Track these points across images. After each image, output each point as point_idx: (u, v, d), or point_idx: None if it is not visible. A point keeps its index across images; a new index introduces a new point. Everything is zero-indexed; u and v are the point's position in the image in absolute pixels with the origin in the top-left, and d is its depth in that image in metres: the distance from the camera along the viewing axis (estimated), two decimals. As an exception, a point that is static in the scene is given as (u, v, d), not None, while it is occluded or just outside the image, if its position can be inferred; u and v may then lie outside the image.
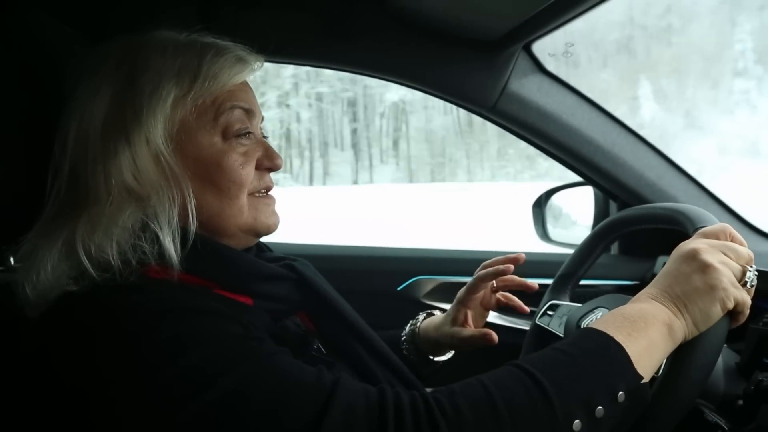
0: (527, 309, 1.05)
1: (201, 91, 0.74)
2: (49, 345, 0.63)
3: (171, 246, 0.68)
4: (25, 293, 0.66)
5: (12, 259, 0.81)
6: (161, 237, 0.68)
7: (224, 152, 0.76)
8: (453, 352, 1.08)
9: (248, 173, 0.77)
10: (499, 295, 1.07)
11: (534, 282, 1.03)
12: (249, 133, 0.79)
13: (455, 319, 1.04)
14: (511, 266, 1.00)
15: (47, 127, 0.79)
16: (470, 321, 1.04)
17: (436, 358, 1.06)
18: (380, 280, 1.54)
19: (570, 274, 1.17)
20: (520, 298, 1.49)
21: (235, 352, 0.61)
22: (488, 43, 1.29)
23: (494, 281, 1.05)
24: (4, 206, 0.79)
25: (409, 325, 1.10)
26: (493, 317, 1.51)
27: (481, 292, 1.05)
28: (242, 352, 0.61)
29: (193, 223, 0.71)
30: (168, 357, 0.58)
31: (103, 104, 0.72)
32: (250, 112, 0.79)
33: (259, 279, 0.78)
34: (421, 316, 1.11)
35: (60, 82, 0.84)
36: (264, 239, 0.94)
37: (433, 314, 1.11)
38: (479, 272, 1.03)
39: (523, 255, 1.01)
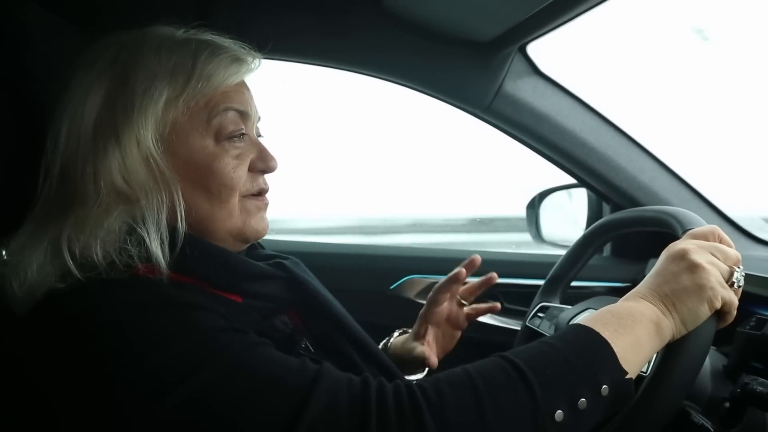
0: (499, 306, 1.05)
1: (194, 92, 0.73)
2: (32, 341, 0.64)
3: (158, 250, 0.67)
4: (13, 290, 0.66)
5: (5, 253, 0.81)
6: (148, 241, 0.68)
7: (216, 155, 0.75)
8: (424, 373, 1.05)
9: (240, 176, 0.76)
10: (467, 309, 1.06)
11: (493, 273, 1.03)
12: (242, 134, 0.77)
13: (417, 334, 1.03)
14: (464, 270, 1.00)
15: (40, 122, 0.79)
16: (430, 338, 1.03)
17: (407, 377, 1.01)
18: (372, 279, 1.54)
19: (561, 276, 1.18)
20: (518, 300, 1.51)
21: (217, 343, 0.61)
22: (484, 44, 1.30)
23: (458, 297, 1.05)
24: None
25: (383, 342, 1.09)
26: (484, 317, 1.51)
27: (444, 305, 1.04)
28: (225, 343, 0.61)
29: (182, 226, 0.71)
30: (148, 349, 0.59)
31: (95, 102, 0.71)
32: (244, 114, 0.78)
33: (248, 278, 0.77)
34: (396, 333, 1.10)
35: (53, 75, 0.84)
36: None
37: (407, 331, 1.09)
38: (436, 285, 1.02)
39: (479, 257, 1.01)
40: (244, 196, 0.78)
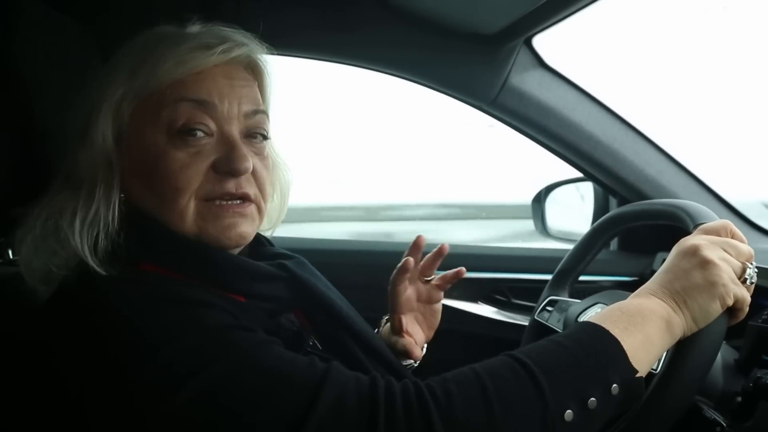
0: (464, 270, 0.97)
1: (144, 82, 0.71)
2: (46, 335, 0.65)
3: (78, 245, 0.67)
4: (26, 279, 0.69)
5: (10, 252, 0.81)
6: (70, 235, 0.68)
7: (164, 152, 0.70)
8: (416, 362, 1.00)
9: (190, 176, 0.70)
10: (435, 282, 0.98)
11: (444, 245, 0.97)
12: (202, 129, 0.71)
13: (393, 328, 0.97)
14: (410, 259, 0.92)
15: (45, 119, 0.79)
16: (408, 327, 0.96)
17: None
18: (379, 275, 1.53)
19: (569, 270, 1.17)
20: (524, 295, 1.50)
21: (227, 340, 0.61)
22: (489, 37, 1.29)
23: (420, 277, 0.98)
24: (2, 198, 0.79)
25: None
26: (491, 313, 1.51)
27: (408, 292, 0.96)
28: (234, 340, 0.62)
29: (111, 225, 0.70)
30: (159, 344, 0.59)
31: (89, 99, 0.74)
32: (205, 104, 0.72)
33: (247, 279, 0.76)
34: (383, 320, 1.05)
35: (53, 70, 0.83)
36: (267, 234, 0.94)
37: None
38: (390, 278, 0.96)
39: (423, 238, 0.95)
40: (206, 200, 0.72)
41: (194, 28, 0.77)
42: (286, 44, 0.84)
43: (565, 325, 1.08)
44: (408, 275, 0.95)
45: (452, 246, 1.64)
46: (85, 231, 0.68)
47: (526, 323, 1.22)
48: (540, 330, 1.15)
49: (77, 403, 0.61)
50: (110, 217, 0.70)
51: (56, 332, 0.64)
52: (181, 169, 0.70)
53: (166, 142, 0.70)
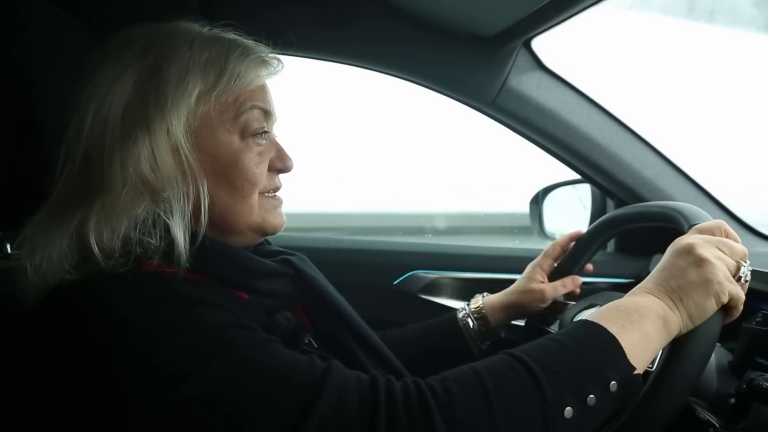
0: (591, 267, 1.19)
1: (226, 88, 0.75)
2: (41, 333, 0.64)
3: (181, 241, 0.68)
4: (26, 276, 0.67)
5: (9, 247, 0.81)
6: (173, 231, 0.68)
7: (241, 151, 0.76)
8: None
9: (261, 173, 0.78)
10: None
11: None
12: (265, 133, 0.79)
13: (533, 278, 1.15)
14: (581, 231, 1.17)
15: (46, 115, 0.79)
16: (546, 280, 1.15)
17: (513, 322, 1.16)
18: (377, 274, 1.54)
19: (565, 272, 1.17)
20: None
21: (226, 339, 0.61)
22: (488, 39, 1.29)
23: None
24: (1, 193, 0.79)
25: (467, 304, 1.16)
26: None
27: (552, 259, 1.17)
28: (234, 339, 0.62)
29: (204, 220, 0.72)
30: (156, 343, 0.59)
31: (125, 90, 0.71)
32: (267, 113, 0.80)
33: (255, 275, 0.78)
34: (479, 296, 1.17)
35: (57, 69, 0.84)
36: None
37: (485, 295, 1.18)
38: (554, 242, 1.18)
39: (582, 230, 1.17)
40: (262, 193, 0.79)
41: (230, 35, 0.81)
42: (285, 42, 0.84)
43: (561, 327, 1.09)
44: (571, 243, 1.18)
45: (450, 246, 1.66)
46: (94, 227, 0.68)
47: (522, 324, 1.22)
48: (536, 333, 1.15)
49: (71, 402, 0.60)
50: (182, 213, 0.71)
51: (52, 330, 0.63)
52: (256, 166, 0.77)
53: (240, 142, 0.76)
